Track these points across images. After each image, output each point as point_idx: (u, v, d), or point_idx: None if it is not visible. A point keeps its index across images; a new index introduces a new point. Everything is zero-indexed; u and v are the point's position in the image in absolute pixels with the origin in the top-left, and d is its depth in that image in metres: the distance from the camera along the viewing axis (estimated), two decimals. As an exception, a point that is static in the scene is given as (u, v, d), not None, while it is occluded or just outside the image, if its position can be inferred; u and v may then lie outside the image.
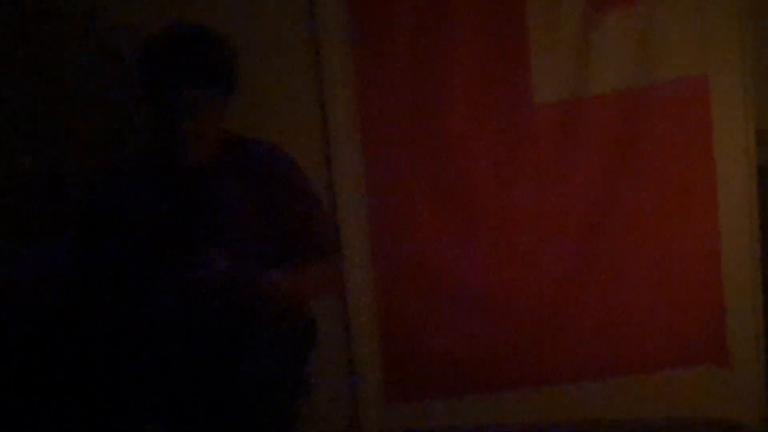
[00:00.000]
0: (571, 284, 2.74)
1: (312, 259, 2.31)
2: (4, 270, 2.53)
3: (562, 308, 2.74)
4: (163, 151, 2.26)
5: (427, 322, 2.75)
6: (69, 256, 2.38)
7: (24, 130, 2.61)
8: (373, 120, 2.71)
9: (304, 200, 2.37)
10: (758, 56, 2.68)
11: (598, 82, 2.68)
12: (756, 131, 2.70)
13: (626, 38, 2.66)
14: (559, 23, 2.66)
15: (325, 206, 2.50)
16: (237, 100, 2.34)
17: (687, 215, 2.71)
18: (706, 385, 2.75)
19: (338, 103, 2.69)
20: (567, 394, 2.75)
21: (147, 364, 2.20)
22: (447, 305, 2.75)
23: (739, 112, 2.68)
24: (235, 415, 2.16)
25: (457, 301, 2.75)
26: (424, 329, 2.76)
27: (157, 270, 2.21)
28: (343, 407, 2.73)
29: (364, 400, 2.76)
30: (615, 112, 2.68)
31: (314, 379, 2.38)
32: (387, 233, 2.74)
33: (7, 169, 2.59)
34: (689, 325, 2.73)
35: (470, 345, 2.74)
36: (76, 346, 2.32)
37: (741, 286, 2.71)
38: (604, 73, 2.67)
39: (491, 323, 2.75)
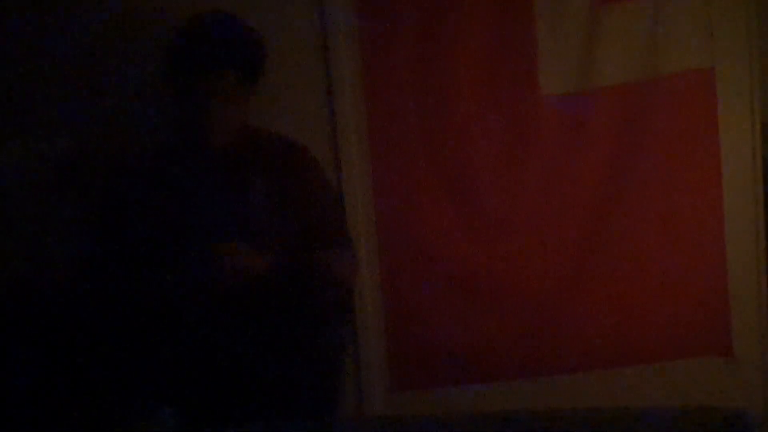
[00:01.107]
0: (576, 275, 2.75)
1: (328, 250, 2.37)
2: (24, 255, 2.58)
3: (567, 299, 2.75)
4: (187, 134, 2.32)
5: (431, 311, 2.77)
6: (90, 241, 2.43)
7: (42, 114, 2.65)
8: (380, 113, 2.74)
9: (322, 193, 2.43)
10: (764, 49, 2.69)
11: (605, 74, 2.69)
12: (762, 124, 2.71)
13: (633, 30, 2.67)
14: (566, 15, 2.68)
15: (338, 198, 2.55)
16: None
17: (692, 207, 2.73)
18: (710, 376, 2.76)
19: (346, 96, 2.71)
20: (571, 384, 2.77)
21: (165, 348, 2.25)
22: (452, 295, 2.77)
23: (746, 104, 2.69)
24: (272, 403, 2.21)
25: (462, 291, 2.77)
26: (429, 318, 2.78)
27: (175, 256, 2.25)
28: (349, 394, 2.75)
29: (369, 387, 2.79)
30: (621, 103, 2.70)
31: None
32: (393, 224, 2.76)
33: (27, 154, 2.63)
34: (693, 317, 2.75)
35: (475, 334, 2.77)
36: (94, 331, 2.35)
37: (745, 278, 2.72)
38: (610, 65, 2.68)
39: (496, 313, 2.77)
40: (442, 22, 2.69)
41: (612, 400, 2.73)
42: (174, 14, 2.39)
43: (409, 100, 2.73)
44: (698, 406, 2.70)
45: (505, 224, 2.75)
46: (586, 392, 2.76)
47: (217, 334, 2.24)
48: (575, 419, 2.71)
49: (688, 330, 2.75)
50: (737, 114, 2.69)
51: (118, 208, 2.38)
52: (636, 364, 2.76)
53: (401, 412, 2.78)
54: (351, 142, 2.73)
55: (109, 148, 2.61)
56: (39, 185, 2.63)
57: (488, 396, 2.77)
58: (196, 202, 2.31)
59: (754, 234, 2.70)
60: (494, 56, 2.71)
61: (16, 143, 2.64)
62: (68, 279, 2.47)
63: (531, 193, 2.74)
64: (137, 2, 2.64)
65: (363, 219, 2.74)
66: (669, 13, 2.66)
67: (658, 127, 2.70)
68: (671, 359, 2.76)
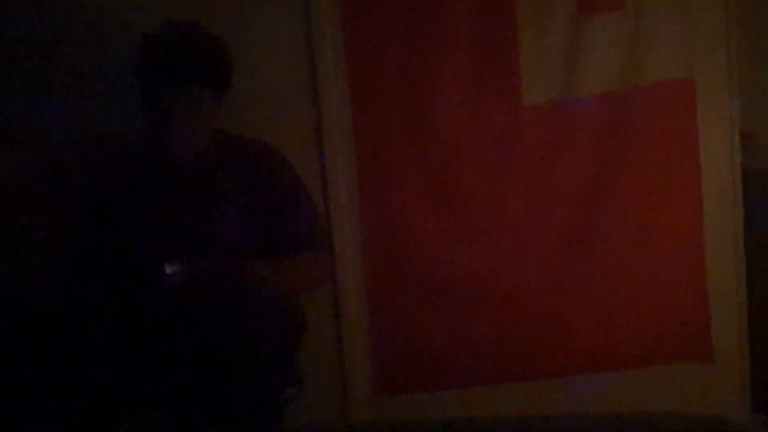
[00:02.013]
0: (557, 282, 2.78)
1: (301, 254, 2.38)
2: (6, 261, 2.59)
3: (549, 305, 2.78)
4: (155, 146, 2.33)
5: (416, 316, 2.79)
6: (67, 248, 2.44)
7: (26, 119, 2.66)
8: (364, 119, 2.76)
9: (294, 196, 2.44)
10: (744, 60, 2.73)
11: (586, 84, 2.73)
12: (741, 134, 2.74)
13: (613, 41, 2.70)
14: (549, 25, 2.71)
15: (314, 203, 2.57)
16: (231, 99, 2.42)
17: (672, 216, 2.76)
18: (690, 382, 2.79)
19: (331, 102, 2.73)
20: (553, 389, 2.79)
21: (136, 357, 2.26)
22: (436, 300, 2.79)
23: (725, 115, 2.72)
24: (222, 404, 2.20)
25: (445, 297, 2.79)
26: (414, 323, 2.80)
27: (146, 265, 2.27)
28: (333, 399, 2.77)
29: (354, 392, 2.80)
30: (602, 113, 2.73)
31: (303, 370, 2.44)
32: (378, 230, 2.79)
33: (9, 159, 2.64)
34: (674, 323, 2.78)
35: (459, 339, 2.79)
36: (72, 339, 2.36)
37: (725, 284, 2.76)
38: (591, 75, 2.72)
39: (479, 319, 2.79)
40: (426, 30, 2.72)
41: (593, 405, 2.77)
42: (151, 20, 2.40)
43: (394, 107, 2.76)
44: (679, 412, 2.74)
45: (489, 231, 2.78)
46: (568, 397, 2.78)
47: (193, 337, 2.24)
48: (557, 424, 2.76)
49: (669, 336, 2.78)
50: (717, 124, 2.73)
51: (90, 216, 2.40)
52: (617, 370, 2.78)
53: (386, 417, 2.80)
54: (336, 149, 2.75)
55: (85, 157, 2.62)
56: (16, 193, 2.64)
57: (473, 401, 2.79)
58: (164, 210, 2.32)
59: (733, 241, 2.74)
60: (477, 65, 2.74)
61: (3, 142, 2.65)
62: (50, 284, 2.49)
63: (513, 201, 2.77)
64: (116, 11, 2.66)
65: (347, 225, 2.76)
66: (650, 24, 2.70)
67: (639, 137, 2.73)
68: (651, 365, 2.78)
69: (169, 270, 2.20)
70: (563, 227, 2.77)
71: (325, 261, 2.51)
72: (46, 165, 2.65)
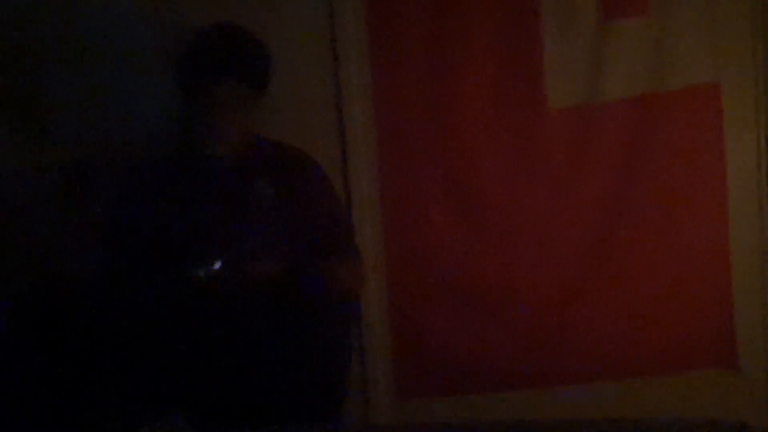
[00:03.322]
0: (581, 287, 2.78)
1: (334, 258, 2.40)
2: (34, 263, 2.61)
3: (573, 311, 2.78)
4: (193, 144, 2.36)
5: (437, 320, 2.80)
6: (99, 249, 2.46)
7: (52, 121, 2.69)
8: (388, 123, 2.78)
9: (328, 203, 2.46)
10: (770, 64, 2.72)
11: (611, 88, 2.72)
12: (767, 138, 2.72)
13: (639, 45, 2.70)
14: (574, 30, 2.71)
15: (345, 209, 2.59)
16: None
17: (697, 221, 2.75)
18: (714, 389, 2.77)
19: (355, 107, 2.76)
20: (576, 395, 2.78)
21: (174, 352, 2.28)
22: (458, 305, 2.80)
23: (751, 119, 2.71)
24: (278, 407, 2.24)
25: (468, 301, 2.80)
26: (435, 327, 2.81)
27: (180, 263, 2.29)
28: (354, 402, 2.77)
29: (375, 395, 2.81)
30: (627, 118, 2.72)
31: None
32: (401, 234, 2.80)
33: (36, 163, 2.67)
34: (698, 329, 2.76)
35: (480, 344, 2.79)
36: (103, 336, 2.38)
37: (750, 291, 2.74)
38: (616, 79, 2.72)
39: (502, 323, 2.79)
40: (450, 34, 2.73)
41: (617, 411, 2.74)
42: (186, 25, 2.45)
43: (418, 112, 2.77)
44: (703, 418, 2.71)
45: (512, 236, 2.78)
46: (591, 403, 2.76)
47: (225, 339, 2.27)
48: (580, 429, 2.73)
49: (693, 343, 2.76)
50: (743, 128, 2.72)
51: (125, 217, 2.42)
52: (641, 376, 2.77)
53: (406, 420, 2.80)
54: (360, 153, 2.77)
55: (118, 158, 2.65)
56: (48, 193, 2.66)
57: (493, 406, 2.79)
58: (201, 211, 2.34)
59: (759, 248, 2.72)
60: (502, 70, 2.74)
61: (26, 151, 2.68)
62: (79, 287, 2.51)
63: (537, 205, 2.77)
64: (149, 13, 2.69)
65: (370, 229, 2.77)
66: (676, 29, 2.69)
67: (664, 142, 2.72)
68: (676, 372, 2.77)
69: (216, 266, 2.22)
70: (587, 232, 2.76)
71: (358, 266, 2.53)
72: (70, 170, 2.68)
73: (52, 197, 2.66)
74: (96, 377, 2.42)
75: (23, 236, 2.62)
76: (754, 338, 2.75)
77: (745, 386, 2.76)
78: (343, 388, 2.43)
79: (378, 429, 2.80)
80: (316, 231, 2.37)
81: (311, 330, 2.31)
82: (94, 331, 2.42)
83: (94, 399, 2.41)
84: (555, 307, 2.78)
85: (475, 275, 2.79)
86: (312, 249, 2.35)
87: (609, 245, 2.76)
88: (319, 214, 2.41)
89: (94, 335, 2.42)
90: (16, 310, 2.54)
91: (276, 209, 2.35)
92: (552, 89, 2.73)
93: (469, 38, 2.73)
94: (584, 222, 2.76)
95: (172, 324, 2.29)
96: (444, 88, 2.75)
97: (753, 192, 2.72)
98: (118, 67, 2.69)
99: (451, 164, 2.77)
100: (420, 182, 2.78)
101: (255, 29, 2.44)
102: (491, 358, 2.79)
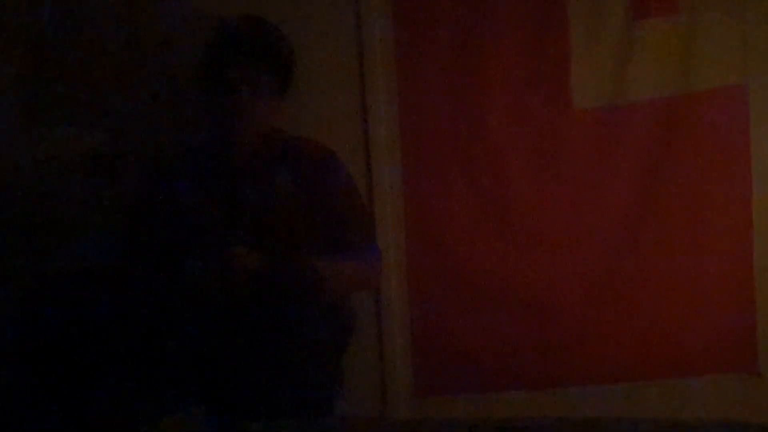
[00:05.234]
0: (603, 288, 2.76)
1: (353, 254, 2.40)
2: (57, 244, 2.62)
3: (594, 311, 2.76)
4: (217, 133, 2.36)
5: (458, 318, 2.79)
6: (120, 234, 2.48)
7: (79, 106, 2.70)
8: (413, 121, 2.78)
9: (348, 198, 2.47)
10: (799, 66, 2.69)
11: (637, 89, 2.71)
12: (794, 141, 2.71)
13: (667, 46, 2.69)
14: (601, 29, 2.71)
15: (366, 205, 2.59)
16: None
17: (721, 223, 2.72)
18: (735, 393, 2.74)
19: (380, 104, 2.76)
20: (596, 396, 2.76)
21: (187, 348, 2.29)
22: (478, 303, 2.79)
23: (779, 121, 2.69)
24: (273, 399, 2.24)
25: (488, 300, 2.79)
26: (455, 325, 2.80)
27: (196, 254, 2.29)
28: (373, 398, 2.78)
29: (394, 391, 2.81)
30: (653, 119, 2.71)
31: (345, 368, 2.46)
32: (422, 232, 2.80)
33: (62, 143, 2.68)
34: (720, 332, 2.73)
35: (500, 343, 2.78)
36: (123, 327, 2.39)
37: (773, 295, 2.72)
38: (643, 80, 2.70)
39: (523, 322, 2.78)
40: (476, 31, 2.73)
41: (637, 412, 2.74)
42: (211, 15, 2.48)
43: (442, 110, 2.77)
44: (722, 420, 2.70)
45: (534, 234, 2.77)
46: (612, 404, 2.75)
47: (234, 331, 2.28)
48: (600, 428, 2.72)
49: (714, 346, 2.74)
50: (770, 130, 2.69)
51: (147, 203, 2.44)
52: (662, 378, 2.75)
53: (425, 417, 2.80)
54: (383, 151, 2.77)
55: (143, 144, 2.66)
56: (73, 174, 2.67)
57: (511, 404, 2.78)
58: (221, 201, 2.36)
59: (783, 252, 2.70)
60: (528, 68, 2.74)
61: (52, 132, 2.68)
62: (101, 274, 2.51)
63: (561, 205, 2.76)
64: (173, 3, 2.69)
65: (392, 226, 2.77)
66: (704, 29, 2.67)
67: (690, 143, 2.71)
68: (697, 374, 2.74)
69: (232, 253, 2.22)
70: (611, 233, 2.75)
71: (376, 263, 2.53)
72: (96, 157, 2.68)
73: (77, 184, 2.66)
74: (114, 369, 2.42)
75: (48, 223, 2.63)
76: (775, 342, 2.73)
77: (766, 390, 2.74)
78: (333, 384, 2.40)
79: (394, 423, 2.80)
80: (333, 225, 2.38)
81: (294, 326, 2.30)
82: (113, 321, 2.43)
83: (111, 391, 2.41)
84: (576, 307, 2.76)
85: (496, 274, 2.78)
86: (329, 243, 2.36)
87: (632, 247, 2.75)
88: (337, 208, 2.41)
89: (113, 325, 2.42)
90: (38, 297, 2.55)
91: (295, 202, 2.35)
92: (578, 89, 2.72)
93: (496, 36, 2.73)
94: (608, 223, 2.75)
95: (185, 316, 2.29)
96: (469, 87, 2.75)
97: (779, 195, 2.70)
98: (144, 57, 2.70)
99: (475, 163, 2.76)
100: (443, 180, 2.78)
101: (281, 26, 2.46)
102: (511, 356, 2.78)
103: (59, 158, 2.65)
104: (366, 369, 2.75)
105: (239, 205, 2.35)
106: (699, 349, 2.74)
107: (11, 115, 2.63)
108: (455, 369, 2.81)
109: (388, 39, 2.75)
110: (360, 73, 2.74)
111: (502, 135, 2.75)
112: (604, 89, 2.72)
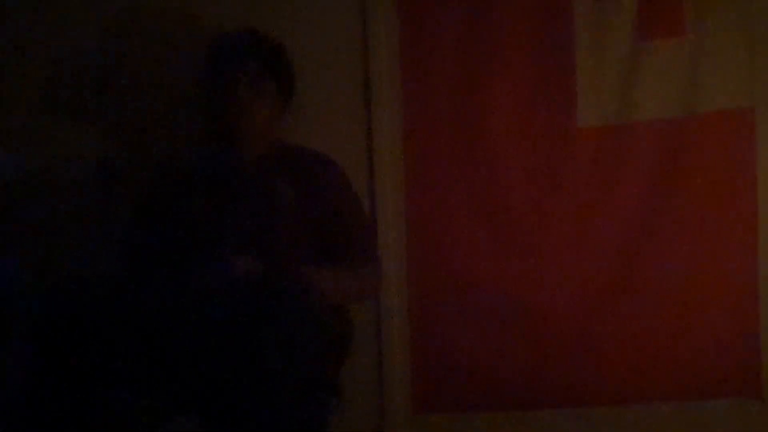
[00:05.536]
0: (605, 308, 2.74)
1: (352, 264, 2.40)
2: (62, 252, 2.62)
3: (596, 330, 2.74)
4: (221, 141, 2.38)
5: (459, 334, 2.77)
6: (120, 243, 2.47)
7: (85, 116, 2.72)
8: (416, 134, 2.77)
9: (349, 208, 2.47)
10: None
11: (643, 109, 2.70)
12: (801, 166, 2.68)
13: (673, 66, 2.68)
14: (607, 49, 2.69)
15: (367, 216, 2.58)
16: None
17: (725, 247, 2.70)
18: (738, 417, 2.71)
19: (383, 116, 2.75)
20: (597, 417, 2.74)
21: (177, 357, 2.25)
22: (480, 320, 2.77)
23: (785, 145, 2.67)
24: (265, 412, 2.21)
25: (490, 317, 2.77)
26: (456, 341, 2.78)
27: (194, 265, 2.29)
28: (371, 414, 2.76)
29: (392, 408, 2.78)
30: (658, 140, 2.69)
31: (343, 382, 2.43)
32: (424, 246, 2.78)
33: (67, 153, 2.69)
34: (723, 357, 2.71)
35: (501, 361, 2.76)
36: (120, 334, 2.37)
37: (777, 320, 2.69)
38: (649, 100, 2.69)
39: (523, 341, 2.76)
40: (481, 48, 2.73)
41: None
42: (213, 25, 2.54)
43: (446, 124, 2.76)
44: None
45: (537, 251, 2.75)
46: (613, 426, 2.73)
47: (229, 341, 2.23)
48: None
49: (718, 370, 2.71)
50: (776, 154, 2.67)
51: (150, 210, 2.44)
52: (664, 400, 2.72)
53: (422, 435, 2.78)
54: (385, 162, 2.76)
55: (148, 152, 2.68)
56: (79, 182, 2.68)
57: (513, 424, 2.76)
58: (222, 209, 2.36)
59: (788, 276, 2.68)
60: (533, 85, 2.73)
61: (58, 140, 2.70)
62: (102, 283, 2.51)
63: (563, 222, 2.74)
64: (176, 12, 2.72)
65: (393, 239, 2.76)
66: (710, 51, 2.66)
67: (695, 164, 2.69)
68: (699, 398, 2.71)
69: (230, 259, 2.22)
70: (613, 251, 2.73)
71: (375, 274, 2.52)
72: (99, 164, 2.69)
73: (81, 191, 2.67)
74: (111, 379, 2.40)
75: (51, 228, 2.64)
76: (779, 367, 2.70)
77: (768, 416, 2.71)
78: (329, 398, 2.38)
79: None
80: (334, 235, 2.37)
81: (291, 336, 2.24)
82: (112, 330, 2.42)
83: (108, 401, 2.39)
84: (579, 326, 2.74)
85: (498, 290, 2.76)
86: (329, 253, 2.35)
87: (634, 267, 2.73)
88: (338, 217, 2.41)
89: (113, 334, 2.41)
90: (42, 305, 2.55)
91: (295, 210, 2.35)
92: (583, 107, 2.70)
93: (501, 53, 2.73)
94: (610, 242, 2.73)
95: (184, 324, 2.28)
96: (474, 102, 2.74)
97: (784, 218, 2.68)
98: (148, 66, 2.72)
99: (479, 177, 2.75)
100: (446, 194, 2.76)
101: (285, 36, 2.48)
102: (512, 375, 2.76)
103: (64, 163, 2.67)
104: (364, 383, 2.73)
105: (240, 212, 2.35)
106: (702, 373, 2.72)
107: (19, 118, 2.66)
108: (456, 386, 2.78)
109: (393, 53, 2.75)
110: (364, 86, 2.74)
111: (506, 150, 2.74)
112: (609, 108, 2.70)
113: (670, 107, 2.68)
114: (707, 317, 2.72)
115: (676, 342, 2.73)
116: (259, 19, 2.55)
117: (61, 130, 2.71)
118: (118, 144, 2.73)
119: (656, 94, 2.68)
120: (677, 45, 2.67)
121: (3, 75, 2.69)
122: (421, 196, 2.77)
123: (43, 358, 2.31)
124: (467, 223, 2.76)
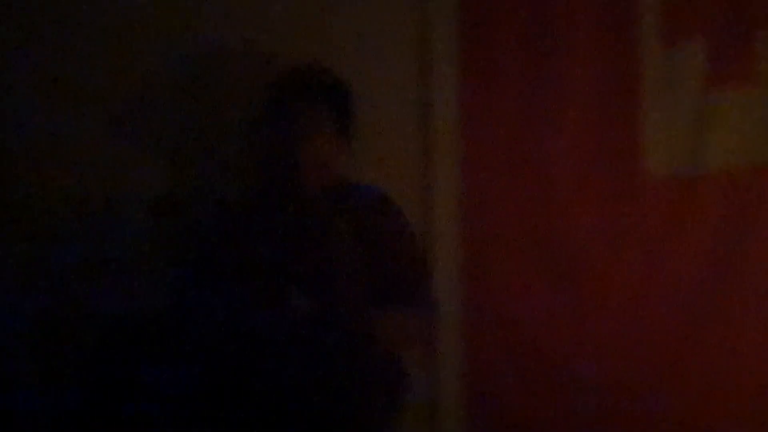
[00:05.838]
0: (671, 364, 2.63)
1: (407, 307, 2.32)
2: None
3: (664, 388, 2.62)
4: (279, 177, 2.34)
5: (516, 386, 2.64)
6: (179, 281, 2.44)
7: (146, 152, 2.71)
8: (476, 178, 2.68)
9: (405, 247, 2.39)
10: None
11: (713, 157, 2.64)
12: None
13: (744, 115, 2.63)
14: (677, 94, 2.65)
15: (423, 258, 2.51)
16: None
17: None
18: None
19: (442, 157, 2.68)
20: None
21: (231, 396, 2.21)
22: (541, 376, 2.64)
23: None
24: None
25: (552, 373, 2.64)
26: (515, 399, 2.65)
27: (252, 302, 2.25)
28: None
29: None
30: (729, 188, 2.63)
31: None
32: (481, 291, 2.67)
33: (124, 187, 2.68)
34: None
35: (562, 418, 2.63)
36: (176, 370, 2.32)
37: None
38: (718, 148, 2.64)
39: (587, 398, 2.62)
40: (544, 91, 2.67)
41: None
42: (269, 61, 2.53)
43: (508, 167, 2.68)
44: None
45: (602, 303, 2.65)
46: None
47: (281, 382, 2.20)
48: None
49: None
50: None
51: (207, 248, 2.40)
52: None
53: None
54: (444, 206, 2.67)
55: (204, 186, 2.65)
56: (131, 225, 2.66)
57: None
58: (280, 245, 2.31)
59: None
60: (599, 131, 2.67)
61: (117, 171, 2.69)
62: (163, 320, 2.47)
63: (630, 273, 2.65)
64: (233, 46, 2.72)
65: (448, 284, 2.65)
66: (783, 101, 2.62)
67: (766, 216, 2.61)
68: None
69: (294, 300, 2.19)
70: (681, 305, 2.63)
71: (430, 318, 2.44)
72: (158, 203, 2.68)
73: (140, 230, 2.65)
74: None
75: (107, 263, 2.61)
76: None
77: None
78: None
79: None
80: (389, 274, 2.31)
81: (345, 380, 2.21)
82: (167, 366, 2.39)
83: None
84: (645, 383, 2.62)
85: (560, 343, 2.64)
86: (383, 293, 2.28)
87: (704, 322, 2.62)
88: (393, 258, 2.34)
89: (168, 370, 2.38)
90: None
91: (352, 248, 2.30)
92: (651, 154, 2.64)
93: (568, 97, 2.67)
94: (678, 296, 2.63)
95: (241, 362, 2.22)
96: (537, 146, 2.67)
97: None
98: (204, 103, 2.71)
99: (540, 223, 2.66)
100: (506, 240, 2.67)
101: (343, 70, 2.47)
102: (566, 429, 2.63)
103: (123, 198, 2.66)
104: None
105: (298, 249, 2.31)
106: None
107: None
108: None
109: (453, 95, 2.69)
110: (424, 126, 2.69)
111: (569, 196, 2.66)
112: (677, 156, 2.64)
113: (742, 155, 2.64)
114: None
115: (741, 404, 2.62)
116: (318, 53, 2.53)
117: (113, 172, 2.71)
118: (173, 182, 2.72)
119: (728, 142, 2.64)
120: (749, 91, 2.64)
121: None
122: (480, 240, 2.67)
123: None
124: (528, 269, 2.66)
